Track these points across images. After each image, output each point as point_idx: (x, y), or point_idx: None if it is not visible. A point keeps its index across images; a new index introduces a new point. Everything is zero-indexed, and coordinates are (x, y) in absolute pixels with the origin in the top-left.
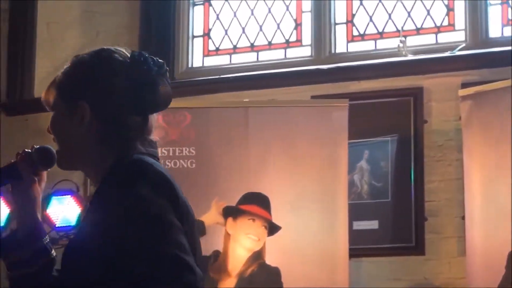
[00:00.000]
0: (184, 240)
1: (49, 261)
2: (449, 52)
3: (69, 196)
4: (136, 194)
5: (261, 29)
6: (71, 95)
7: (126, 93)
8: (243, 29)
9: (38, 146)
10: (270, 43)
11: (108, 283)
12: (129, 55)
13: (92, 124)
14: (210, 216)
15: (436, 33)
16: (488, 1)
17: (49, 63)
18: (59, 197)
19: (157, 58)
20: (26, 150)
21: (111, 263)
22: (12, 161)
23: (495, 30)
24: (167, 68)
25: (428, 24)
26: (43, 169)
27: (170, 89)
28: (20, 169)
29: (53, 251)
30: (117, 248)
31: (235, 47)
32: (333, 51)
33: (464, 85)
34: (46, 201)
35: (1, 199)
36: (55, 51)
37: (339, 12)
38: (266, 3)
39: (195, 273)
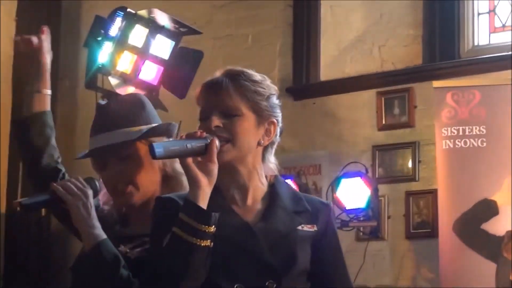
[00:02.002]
0: None
1: None
2: None
3: (359, 178)
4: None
5: None
6: (267, 112)
7: None
8: None
9: None
10: None
11: None
12: None
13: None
14: (502, 195)
15: None
16: None
17: (334, 47)
18: (348, 179)
19: None
20: None
21: None
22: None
23: None
24: None
25: None
26: None
27: None
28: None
29: None
30: None
31: None
32: None
33: None
34: (336, 183)
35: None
36: (339, 34)
37: None
38: None
39: None
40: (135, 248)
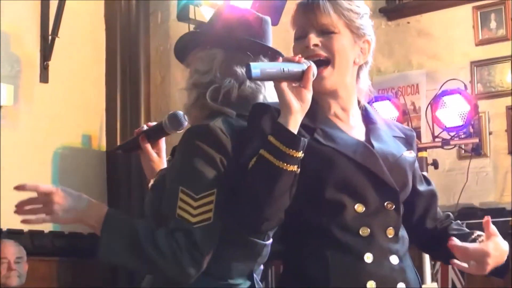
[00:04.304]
0: None
1: None
2: None
3: (458, 95)
4: None
5: None
6: (362, 31)
7: None
8: None
9: None
10: None
11: None
12: None
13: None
14: None
15: None
16: None
17: None
18: (447, 97)
19: None
20: None
21: None
22: None
23: None
24: None
25: None
26: None
27: None
28: None
29: None
30: None
31: None
32: None
33: None
34: (434, 102)
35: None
36: None
37: None
38: None
39: None
40: None
